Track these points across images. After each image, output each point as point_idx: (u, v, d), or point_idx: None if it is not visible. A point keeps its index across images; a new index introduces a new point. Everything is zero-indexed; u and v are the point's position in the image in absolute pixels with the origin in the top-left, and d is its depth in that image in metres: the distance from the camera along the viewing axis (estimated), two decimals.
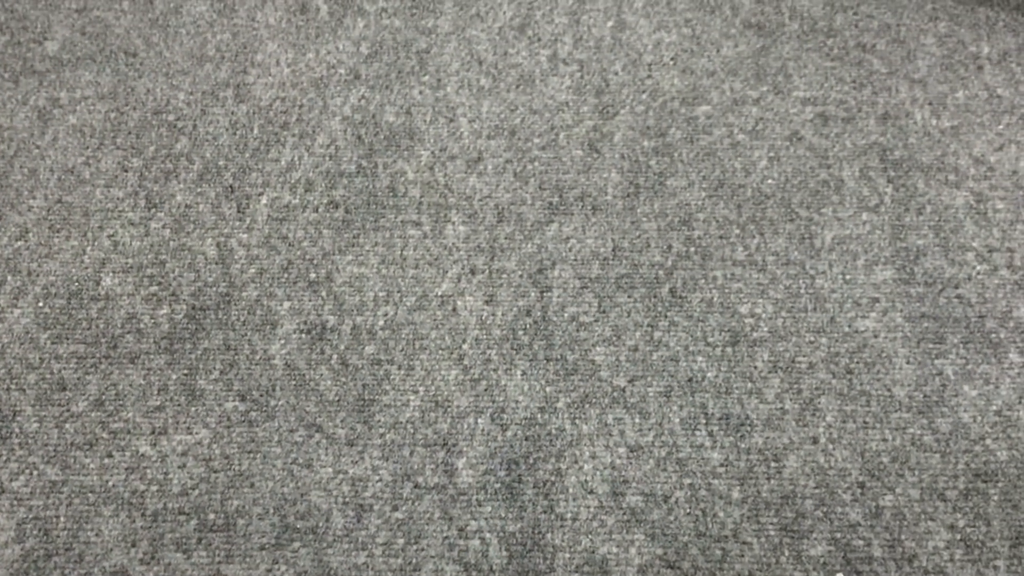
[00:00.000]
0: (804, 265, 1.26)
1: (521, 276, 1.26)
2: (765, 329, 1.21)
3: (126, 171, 1.35)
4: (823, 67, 1.45)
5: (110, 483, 1.12)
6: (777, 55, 1.46)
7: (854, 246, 1.27)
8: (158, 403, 1.17)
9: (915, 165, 1.35)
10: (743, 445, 1.13)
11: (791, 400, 1.16)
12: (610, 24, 1.49)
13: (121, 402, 1.17)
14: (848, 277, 1.25)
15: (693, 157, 1.36)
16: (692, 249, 1.28)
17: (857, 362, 1.19)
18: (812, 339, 1.20)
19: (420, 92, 1.43)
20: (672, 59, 1.46)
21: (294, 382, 1.18)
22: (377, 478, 1.12)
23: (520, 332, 1.21)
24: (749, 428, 1.14)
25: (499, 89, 1.43)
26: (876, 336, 1.20)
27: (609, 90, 1.43)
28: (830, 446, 1.13)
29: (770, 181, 1.33)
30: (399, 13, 1.50)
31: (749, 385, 1.17)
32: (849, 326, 1.21)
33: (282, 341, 1.21)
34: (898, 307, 1.23)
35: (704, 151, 1.37)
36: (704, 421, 1.15)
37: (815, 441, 1.13)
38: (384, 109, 1.41)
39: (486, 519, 1.10)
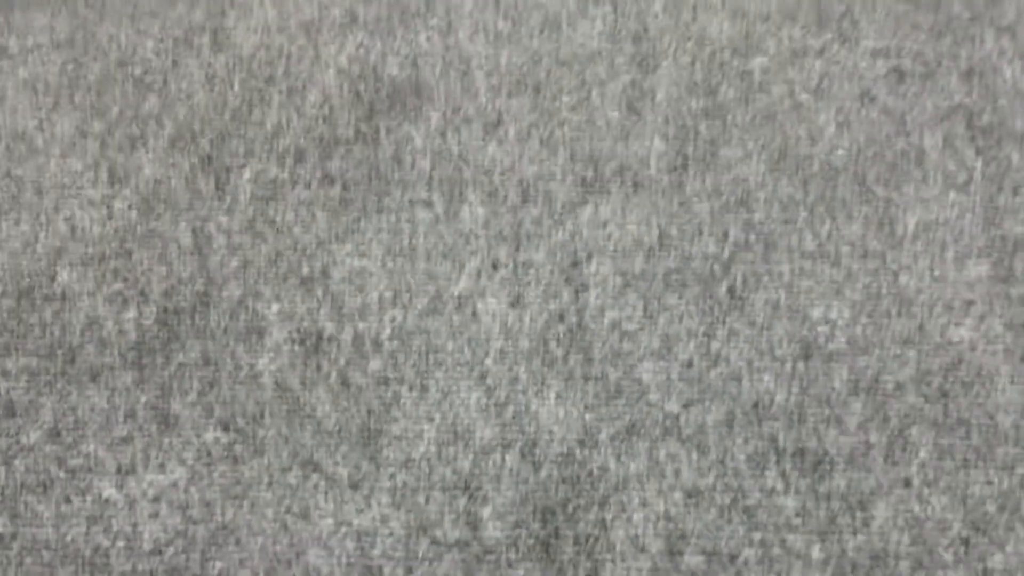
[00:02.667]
0: (885, 257, 1.08)
1: (552, 271, 1.08)
2: (842, 339, 1.03)
3: (85, 137, 1.19)
4: (895, 11, 1.28)
5: (68, 537, 0.95)
6: None
7: (942, 234, 1.10)
8: (124, 433, 1.00)
9: (1007, 133, 1.18)
10: (822, 489, 0.96)
11: (877, 431, 0.98)
12: None
13: (81, 432, 1.00)
14: (937, 273, 1.07)
15: (749, 121, 1.19)
16: (752, 237, 1.10)
17: (952, 382, 1.01)
18: (898, 352, 1.02)
19: (427, 39, 1.28)
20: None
21: (286, 406, 1.00)
22: (387, 531, 0.94)
23: (552, 343, 1.03)
24: (829, 467, 0.97)
25: (520, 35, 1.28)
26: (973, 349, 1.03)
27: (648, 37, 1.27)
28: (926, 490, 0.95)
29: (840, 152, 1.16)
30: None
31: (826, 411, 0.99)
32: (941, 335, 1.03)
33: (271, 354, 1.03)
34: (996, 311, 1.05)
35: (762, 114, 1.20)
36: (775, 458, 0.97)
37: (907, 484, 0.96)
38: (386, 60, 1.26)
39: None
